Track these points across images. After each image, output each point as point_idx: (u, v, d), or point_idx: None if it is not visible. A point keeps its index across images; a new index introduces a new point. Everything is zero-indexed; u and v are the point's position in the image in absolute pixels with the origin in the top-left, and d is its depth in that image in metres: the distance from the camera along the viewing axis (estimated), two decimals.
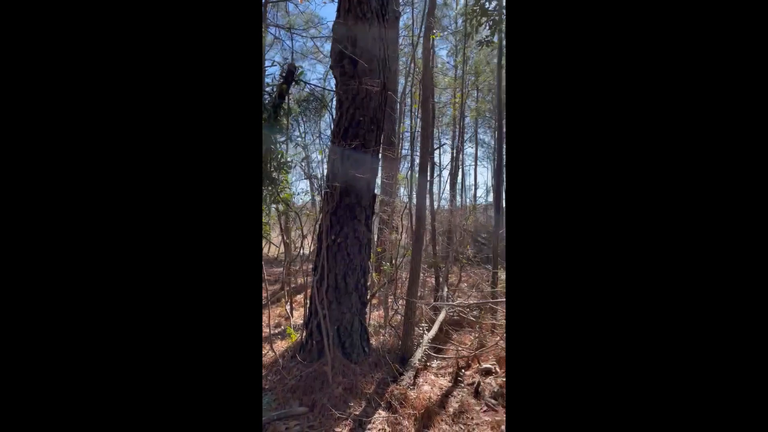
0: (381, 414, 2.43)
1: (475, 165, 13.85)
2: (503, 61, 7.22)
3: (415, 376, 2.90)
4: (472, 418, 2.49)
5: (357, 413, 2.41)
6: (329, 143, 3.18)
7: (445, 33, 9.27)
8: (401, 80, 7.95)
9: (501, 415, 2.53)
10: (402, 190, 6.85)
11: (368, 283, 3.29)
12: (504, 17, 3.97)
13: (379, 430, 2.29)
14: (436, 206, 8.08)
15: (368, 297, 3.38)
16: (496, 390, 2.83)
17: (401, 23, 8.93)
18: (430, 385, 2.85)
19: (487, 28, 4.02)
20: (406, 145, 7.42)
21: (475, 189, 12.57)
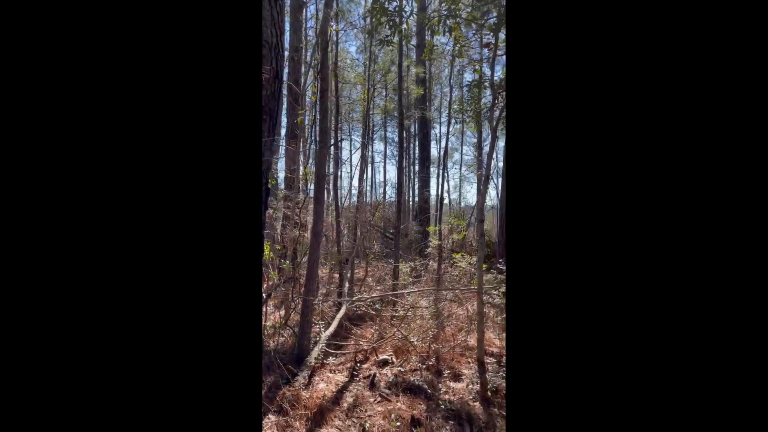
0: (270, 419, 2.31)
1: (384, 162, 14.28)
2: (405, 62, 7.49)
3: (311, 376, 2.84)
4: (366, 410, 2.53)
5: None
6: None
7: (354, 30, 9.28)
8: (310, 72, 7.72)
9: (393, 404, 2.61)
10: (311, 185, 6.66)
11: (261, 284, 3.10)
12: (404, 18, 4.07)
13: None
14: (346, 202, 8.07)
15: (262, 298, 3.19)
16: (391, 380, 2.92)
17: (308, 13, 8.68)
18: (326, 383, 2.81)
19: (387, 27, 4.08)
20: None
21: (385, 185, 12.95)
